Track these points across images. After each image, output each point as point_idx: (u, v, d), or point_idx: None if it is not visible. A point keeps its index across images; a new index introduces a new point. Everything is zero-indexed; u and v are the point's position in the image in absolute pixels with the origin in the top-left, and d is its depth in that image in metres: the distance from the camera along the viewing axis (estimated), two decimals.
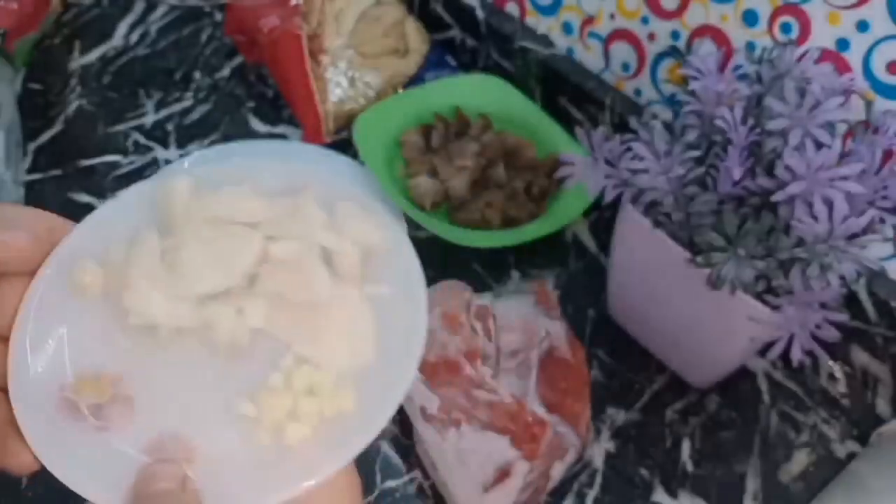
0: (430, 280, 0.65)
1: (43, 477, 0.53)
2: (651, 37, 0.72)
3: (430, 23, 0.89)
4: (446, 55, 0.89)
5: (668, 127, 0.54)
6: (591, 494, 0.57)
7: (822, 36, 0.59)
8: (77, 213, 0.76)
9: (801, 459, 0.60)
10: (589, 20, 0.77)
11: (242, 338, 0.32)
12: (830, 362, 0.65)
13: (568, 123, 0.78)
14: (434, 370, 0.56)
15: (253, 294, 0.33)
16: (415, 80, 0.84)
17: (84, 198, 0.73)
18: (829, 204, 0.46)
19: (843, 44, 0.58)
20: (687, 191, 0.53)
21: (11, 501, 0.54)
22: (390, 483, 0.56)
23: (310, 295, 0.33)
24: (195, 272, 0.32)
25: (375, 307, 0.34)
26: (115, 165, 0.76)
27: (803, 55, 0.55)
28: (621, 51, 0.75)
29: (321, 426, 0.31)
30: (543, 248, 0.70)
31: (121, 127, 0.81)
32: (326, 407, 0.31)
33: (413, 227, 0.70)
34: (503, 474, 0.53)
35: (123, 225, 0.35)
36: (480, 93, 0.81)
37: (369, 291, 0.34)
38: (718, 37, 0.66)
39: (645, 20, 0.71)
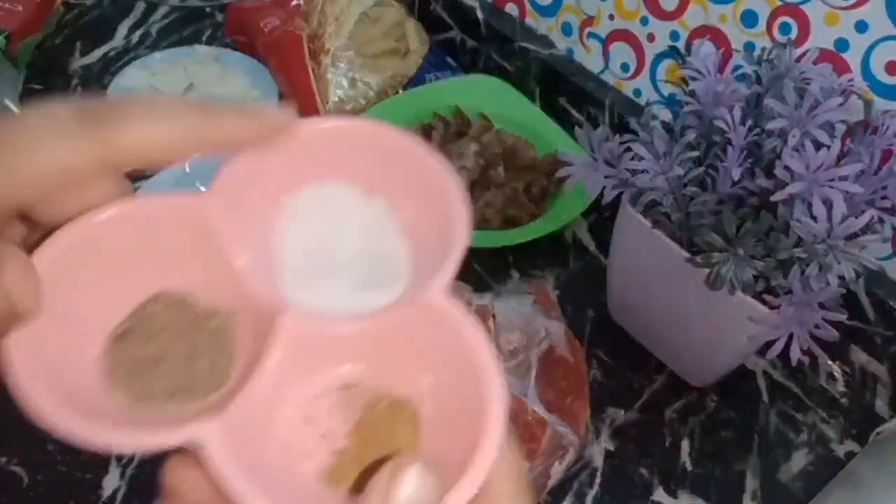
0: None
1: (43, 477, 0.54)
2: (650, 37, 0.72)
3: (431, 23, 0.89)
4: (446, 56, 0.89)
5: (667, 127, 0.54)
6: (591, 494, 0.57)
7: (821, 36, 0.59)
8: None
9: (800, 459, 0.60)
10: (588, 21, 0.77)
11: None
12: (829, 362, 0.65)
13: (568, 124, 0.78)
14: None
15: None
16: (415, 80, 0.84)
17: None
18: (828, 204, 0.46)
19: (842, 44, 0.58)
20: (686, 191, 0.53)
21: (12, 500, 0.54)
22: None
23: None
24: None
25: None
26: None
27: (802, 56, 0.55)
28: (621, 51, 0.75)
29: None
30: (543, 248, 0.71)
31: None
32: None
33: None
34: None
35: None
36: (480, 93, 0.81)
37: None
38: (718, 37, 0.66)
39: (644, 21, 0.72)
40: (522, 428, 0.54)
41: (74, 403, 0.23)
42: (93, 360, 0.25)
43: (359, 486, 0.25)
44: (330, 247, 0.28)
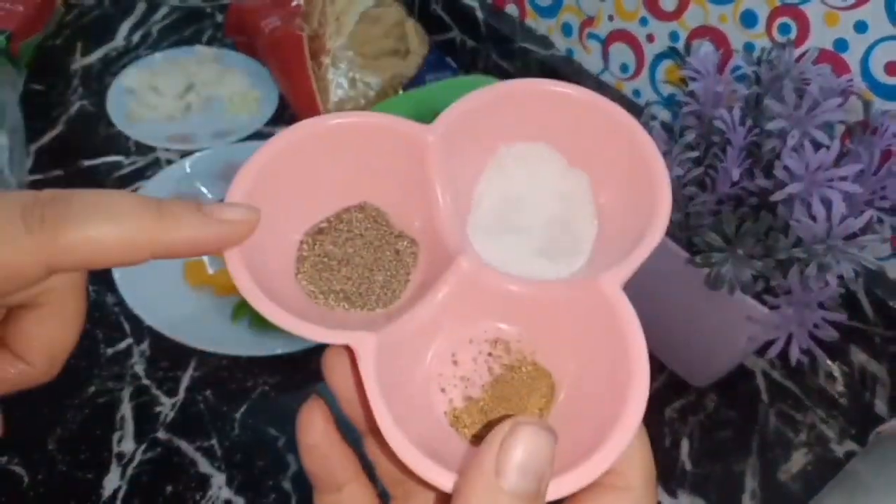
0: None
1: (44, 477, 0.54)
2: (650, 38, 0.72)
3: (431, 24, 0.89)
4: (446, 56, 0.90)
5: (666, 128, 0.54)
6: None
7: (821, 37, 0.59)
8: None
9: (799, 459, 0.60)
10: (588, 21, 0.77)
11: None
12: (829, 362, 0.65)
13: None
14: None
15: None
16: (415, 81, 0.84)
17: None
18: (828, 204, 0.47)
19: (841, 44, 0.59)
20: (686, 191, 0.53)
21: (12, 500, 0.54)
22: None
23: None
24: None
25: None
26: (117, 166, 0.77)
27: (802, 56, 0.55)
28: (620, 52, 0.76)
29: None
30: None
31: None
32: None
33: None
34: None
35: None
36: None
37: None
38: (717, 38, 0.66)
39: (644, 21, 0.72)
40: None
41: (267, 285, 0.25)
42: (291, 247, 0.28)
43: (479, 437, 0.25)
44: (524, 206, 0.28)
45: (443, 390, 0.27)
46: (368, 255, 0.28)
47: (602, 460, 0.22)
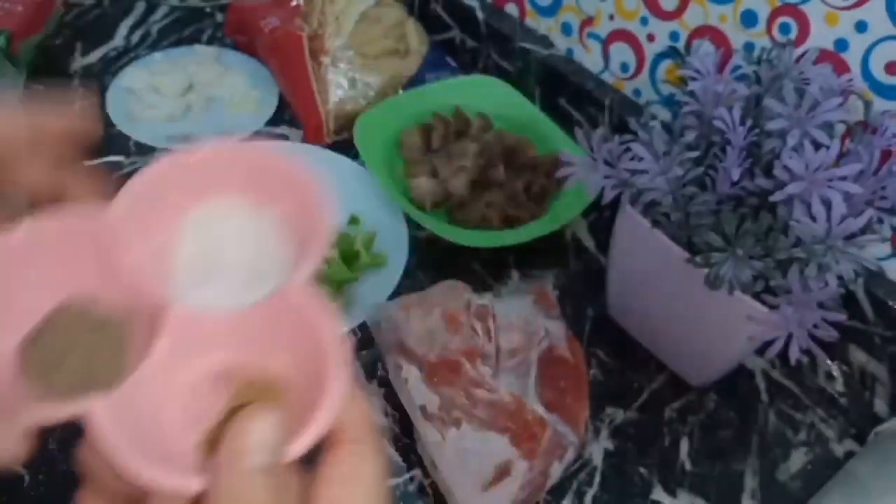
0: (431, 280, 0.66)
1: (44, 477, 0.54)
2: (650, 37, 0.72)
3: (431, 24, 0.89)
4: (446, 56, 0.90)
5: (666, 127, 0.54)
6: (590, 493, 0.57)
7: (821, 36, 0.59)
8: None
9: (799, 458, 0.60)
10: (588, 21, 0.77)
11: None
12: (828, 361, 0.65)
13: (567, 124, 0.78)
14: (434, 369, 0.57)
15: None
16: (415, 80, 0.84)
17: None
18: (828, 204, 0.47)
19: (841, 44, 0.59)
20: (686, 191, 0.53)
21: (12, 500, 0.54)
22: (391, 481, 0.57)
23: None
24: None
25: None
26: (117, 166, 0.77)
27: (802, 56, 0.55)
28: (620, 51, 0.76)
29: None
30: (543, 247, 0.71)
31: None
32: None
33: (413, 227, 0.70)
34: (502, 473, 0.53)
35: None
36: (480, 93, 0.81)
37: None
38: (717, 37, 0.66)
39: (644, 21, 0.72)
40: (522, 427, 0.55)
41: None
42: (9, 358, 0.30)
43: None
44: (220, 252, 0.33)
45: (189, 428, 0.30)
46: (87, 343, 0.30)
47: (319, 421, 0.27)
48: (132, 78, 0.84)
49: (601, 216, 0.74)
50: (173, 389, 0.30)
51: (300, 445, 0.27)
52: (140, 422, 0.28)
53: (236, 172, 0.33)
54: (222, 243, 0.33)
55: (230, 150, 0.33)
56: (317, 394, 0.28)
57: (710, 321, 0.56)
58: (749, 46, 0.64)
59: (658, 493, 0.57)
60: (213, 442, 0.28)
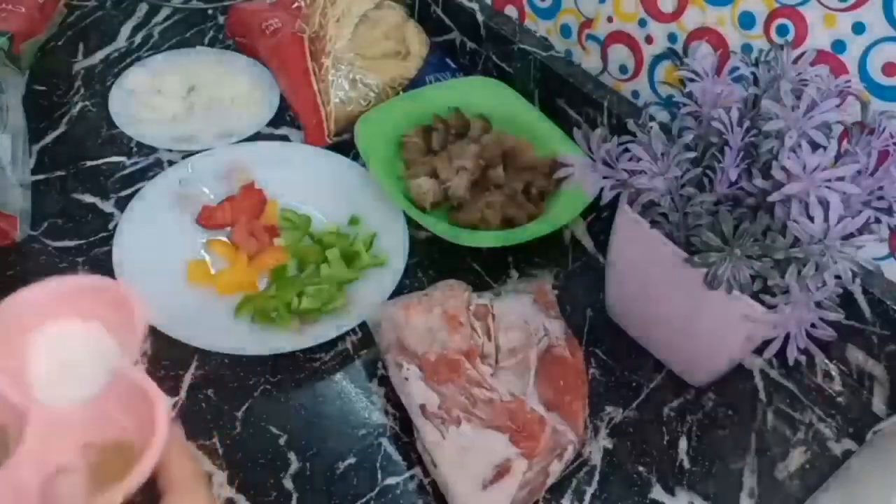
0: (431, 280, 0.66)
1: None
2: (648, 39, 0.72)
3: (431, 26, 0.90)
4: (446, 58, 0.90)
5: (665, 128, 0.55)
6: (590, 492, 0.57)
7: (819, 38, 0.60)
8: (80, 213, 0.76)
9: (797, 457, 0.60)
10: (587, 23, 0.77)
11: None
12: (826, 361, 0.65)
13: (566, 125, 0.79)
14: (434, 368, 0.57)
15: None
16: (415, 82, 0.85)
17: (88, 198, 0.74)
18: (825, 204, 0.47)
19: (839, 46, 0.59)
20: (684, 191, 0.53)
21: None
22: (391, 480, 0.57)
23: None
24: None
25: None
26: (118, 166, 0.77)
27: (800, 57, 0.56)
28: (619, 53, 0.76)
29: None
30: (542, 248, 0.71)
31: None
32: None
33: (413, 227, 0.70)
34: (502, 472, 0.53)
35: None
36: (480, 95, 0.82)
37: None
38: (715, 39, 0.67)
39: (642, 23, 0.72)
40: (521, 426, 0.55)
41: None
42: None
43: None
44: (66, 360, 0.42)
45: None
46: None
47: (138, 474, 0.36)
48: (134, 79, 0.84)
49: (600, 217, 0.74)
50: (38, 478, 0.38)
51: (123, 490, 0.36)
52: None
53: (65, 299, 0.43)
54: (67, 352, 0.43)
55: (54, 284, 0.43)
56: (146, 445, 0.37)
57: (709, 321, 0.57)
58: (747, 48, 0.65)
59: (657, 492, 0.58)
60: None
